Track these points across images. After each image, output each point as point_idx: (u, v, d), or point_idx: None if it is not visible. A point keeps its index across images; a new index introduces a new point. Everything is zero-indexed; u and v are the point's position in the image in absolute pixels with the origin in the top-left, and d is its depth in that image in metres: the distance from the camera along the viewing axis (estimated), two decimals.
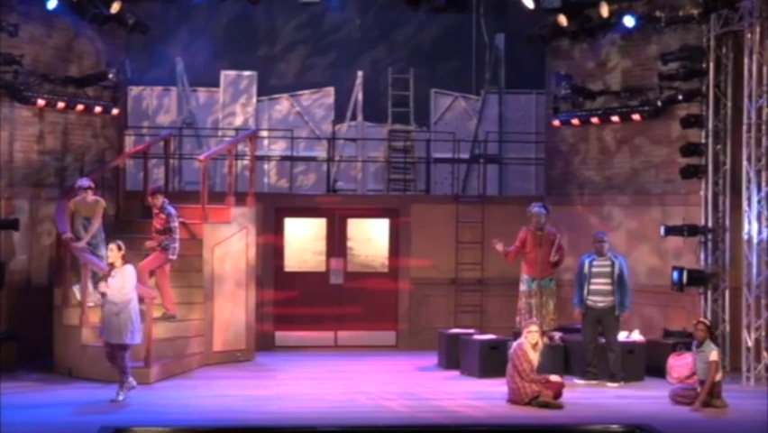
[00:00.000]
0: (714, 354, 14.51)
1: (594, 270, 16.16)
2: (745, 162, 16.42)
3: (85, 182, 16.97)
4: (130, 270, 14.59)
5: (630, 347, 16.65)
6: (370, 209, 20.62)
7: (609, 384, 15.99)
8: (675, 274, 17.45)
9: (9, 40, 16.96)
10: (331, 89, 21.94)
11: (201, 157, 18.30)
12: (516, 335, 17.32)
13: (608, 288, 16.09)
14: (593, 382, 16.10)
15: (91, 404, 14.22)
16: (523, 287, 16.79)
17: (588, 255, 16.38)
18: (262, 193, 19.99)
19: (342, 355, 19.09)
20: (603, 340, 16.28)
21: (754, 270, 16.24)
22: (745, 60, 16.47)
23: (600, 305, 16.10)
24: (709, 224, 17.51)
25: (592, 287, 16.13)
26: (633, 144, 18.76)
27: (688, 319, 17.72)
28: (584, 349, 16.40)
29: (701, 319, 15.17)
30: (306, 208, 20.41)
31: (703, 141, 17.53)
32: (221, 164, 20.82)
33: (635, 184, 18.75)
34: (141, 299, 15.35)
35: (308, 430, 13.11)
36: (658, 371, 16.48)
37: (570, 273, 18.58)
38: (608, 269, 16.13)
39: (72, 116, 18.46)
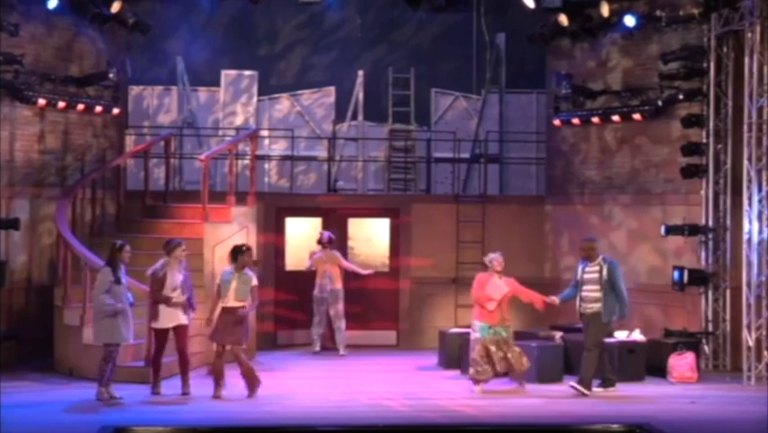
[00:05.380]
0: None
1: (585, 276, 15.46)
2: (745, 162, 16.41)
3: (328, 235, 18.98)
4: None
5: (631, 347, 16.62)
6: (370, 209, 20.62)
7: (578, 386, 15.16)
8: (676, 274, 17.45)
9: (10, 39, 16.97)
10: (331, 89, 21.95)
11: (202, 156, 18.30)
12: (517, 334, 17.31)
13: (596, 294, 15.31)
14: (611, 388, 15.43)
15: (91, 404, 14.21)
16: (476, 335, 15.49)
17: (582, 261, 15.71)
18: (263, 193, 20.00)
19: (341, 355, 19.06)
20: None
21: (755, 269, 16.22)
22: (746, 60, 16.45)
23: (589, 311, 15.39)
24: (710, 223, 17.51)
25: (583, 294, 15.43)
26: (633, 144, 18.75)
27: (689, 319, 17.74)
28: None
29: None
30: (306, 208, 20.41)
31: (704, 140, 17.53)
32: (221, 164, 20.83)
33: (636, 184, 18.74)
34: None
35: (308, 430, 13.10)
36: (659, 370, 16.49)
37: (569, 273, 18.58)
38: (595, 275, 15.37)
39: (73, 116, 18.47)
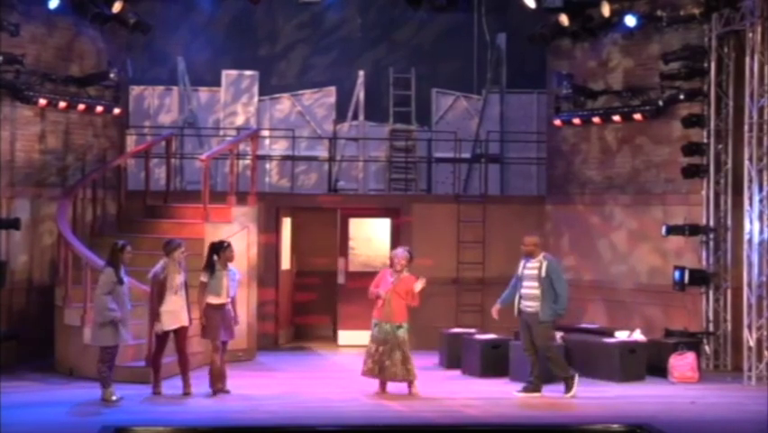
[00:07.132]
0: None
1: (525, 272, 15.22)
2: (746, 162, 16.41)
3: None
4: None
5: (631, 347, 16.63)
6: (371, 209, 20.62)
7: (567, 394, 15.03)
8: (677, 274, 17.44)
9: (10, 39, 16.98)
10: (332, 89, 21.94)
11: (202, 156, 18.30)
12: (517, 335, 17.29)
13: (535, 292, 15.07)
14: (534, 394, 15.09)
15: (92, 404, 14.22)
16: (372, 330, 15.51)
17: (524, 258, 15.41)
18: (263, 193, 19.99)
19: (342, 355, 19.07)
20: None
21: (756, 269, 16.22)
22: (747, 60, 16.45)
23: (529, 309, 15.13)
24: (711, 223, 17.51)
25: (522, 291, 15.19)
26: (634, 144, 18.74)
27: (689, 319, 17.73)
28: (585, 349, 16.35)
29: None
30: (307, 208, 20.40)
31: (705, 140, 17.53)
32: (222, 164, 20.83)
33: (637, 184, 18.74)
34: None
35: (308, 430, 13.10)
36: (659, 370, 16.49)
37: (569, 273, 18.56)
38: (535, 271, 15.12)
39: (74, 116, 18.48)
